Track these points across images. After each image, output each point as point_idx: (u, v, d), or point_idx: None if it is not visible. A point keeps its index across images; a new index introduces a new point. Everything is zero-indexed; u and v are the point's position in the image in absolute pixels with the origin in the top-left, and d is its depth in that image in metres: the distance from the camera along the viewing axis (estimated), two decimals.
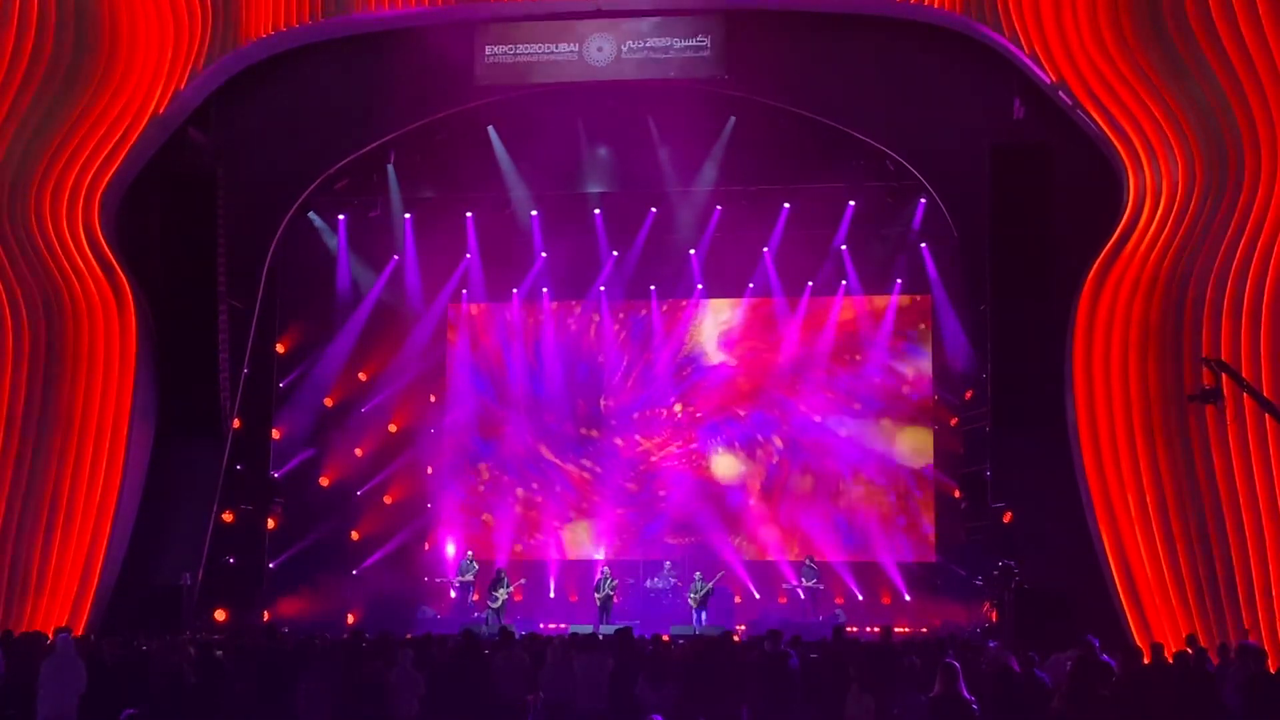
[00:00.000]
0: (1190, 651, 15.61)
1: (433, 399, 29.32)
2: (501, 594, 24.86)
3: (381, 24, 22.40)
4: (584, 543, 28.36)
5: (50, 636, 17.89)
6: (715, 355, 28.77)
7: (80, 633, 19.25)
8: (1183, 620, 18.87)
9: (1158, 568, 19.22)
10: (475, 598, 26.01)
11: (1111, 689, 12.89)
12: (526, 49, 22.52)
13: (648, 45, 22.32)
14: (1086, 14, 20.04)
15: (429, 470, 29.05)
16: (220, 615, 22.98)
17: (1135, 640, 18.30)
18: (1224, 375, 17.32)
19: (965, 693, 11.72)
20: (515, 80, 22.73)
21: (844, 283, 27.38)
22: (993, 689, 12.89)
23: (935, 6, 21.02)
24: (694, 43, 22.15)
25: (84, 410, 21.63)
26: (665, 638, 19.35)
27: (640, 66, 22.41)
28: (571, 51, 22.48)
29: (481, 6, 22.12)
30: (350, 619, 25.28)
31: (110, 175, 22.16)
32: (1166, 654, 15.72)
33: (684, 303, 28.64)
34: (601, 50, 22.43)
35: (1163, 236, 19.65)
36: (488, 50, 22.57)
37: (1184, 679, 14.11)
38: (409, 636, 18.31)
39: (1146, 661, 14.60)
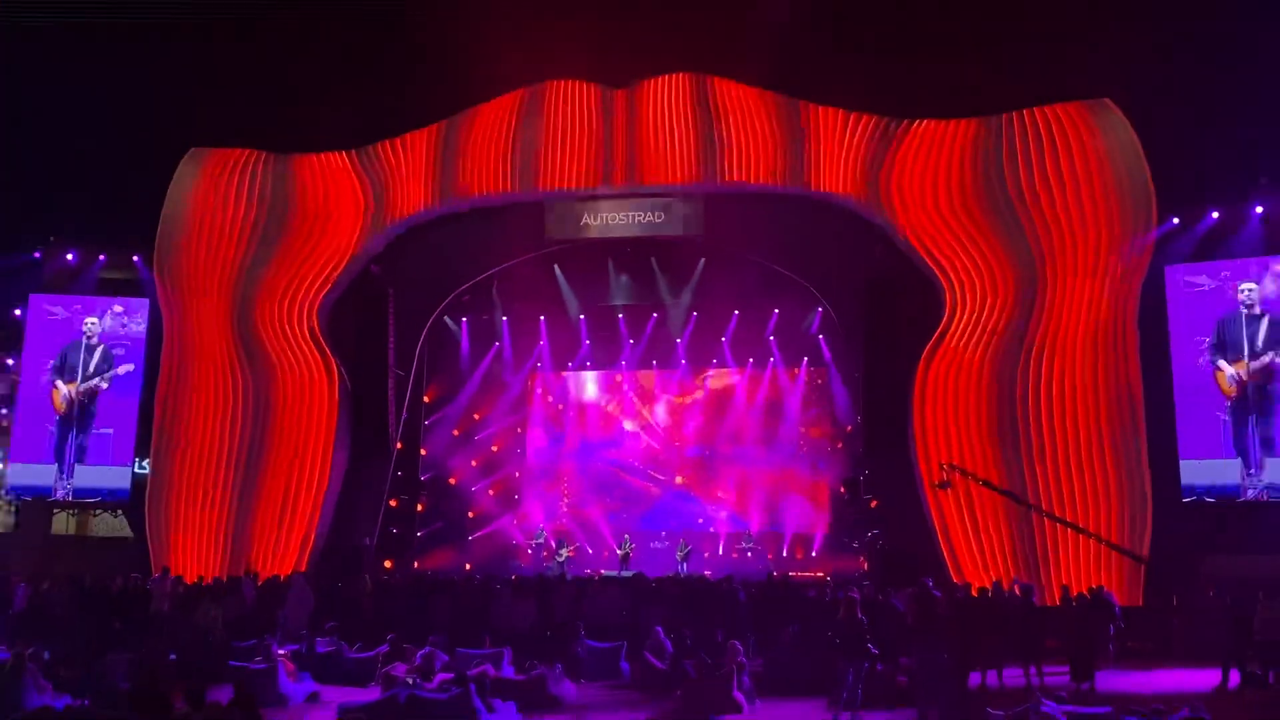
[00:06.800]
0: (989, 588, 15.77)
1: (519, 430, 29.34)
2: (564, 551, 25.14)
3: (488, 201, 22.48)
4: (609, 521, 28.12)
5: (284, 577, 18.09)
6: (687, 408, 28.67)
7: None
8: (983, 570, 18.93)
9: (967, 537, 19.33)
10: (545, 555, 26.07)
11: (942, 610, 13.01)
12: (576, 215, 22.43)
13: (649, 213, 22.25)
14: (931, 201, 20.29)
15: (516, 475, 28.97)
16: (388, 564, 23.09)
17: (953, 580, 18.37)
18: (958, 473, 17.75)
19: (860, 615, 11.84)
20: (570, 235, 22.68)
21: (771, 360, 27.22)
22: (866, 613, 12.98)
23: (836, 193, 20.94)
24: (680, 213, 22.03)
25: (304, 442, 21.86)
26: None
27: (645, 227, 22.29)
28: (603, 217, 22.39)
29: (548, 194, 22.12)
30: (467, 567, 25.38)
31: (322, 294, 22.47)
32: (973, 590, 15.89)
33: (673, 373, 28.56)
34: (620, 217, 22.35)
35: (970, 334, 19.89)
36: (552, 217, 22.57)
37: (987, 605, 14.26)
38: (510, 578, 18.43)
39: (960, 596, 14.74)
